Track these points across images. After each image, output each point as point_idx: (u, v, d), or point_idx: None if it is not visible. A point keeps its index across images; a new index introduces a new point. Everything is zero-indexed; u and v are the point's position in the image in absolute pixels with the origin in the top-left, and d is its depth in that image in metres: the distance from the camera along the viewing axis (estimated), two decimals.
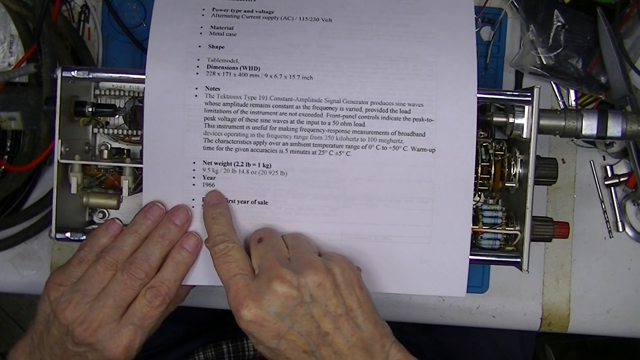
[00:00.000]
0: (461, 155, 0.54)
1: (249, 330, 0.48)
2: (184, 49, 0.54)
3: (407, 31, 0.55)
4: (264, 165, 0.54)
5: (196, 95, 0.53)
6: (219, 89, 0.53)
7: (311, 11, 0.55)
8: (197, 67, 0.53)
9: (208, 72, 0.53)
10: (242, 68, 0.53)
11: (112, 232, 0.53)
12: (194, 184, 0.54)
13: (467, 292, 0.55)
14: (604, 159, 0.68)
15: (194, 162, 0.54)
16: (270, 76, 0.53)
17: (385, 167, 0.54)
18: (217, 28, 0.54)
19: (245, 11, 0.55)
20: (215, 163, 0.54)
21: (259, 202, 0.54)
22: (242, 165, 0.54)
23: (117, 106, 0.59)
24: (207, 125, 0.53)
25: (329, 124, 0.53)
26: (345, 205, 0.54)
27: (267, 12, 0.55)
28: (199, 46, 0.54)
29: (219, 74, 0.53)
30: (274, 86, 0.53)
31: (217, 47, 0.54)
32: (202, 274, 0.54)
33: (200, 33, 0.54)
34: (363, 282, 0.51)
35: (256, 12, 0.55)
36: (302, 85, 0.53)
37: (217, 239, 0.51)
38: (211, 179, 0.54)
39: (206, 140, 0.53)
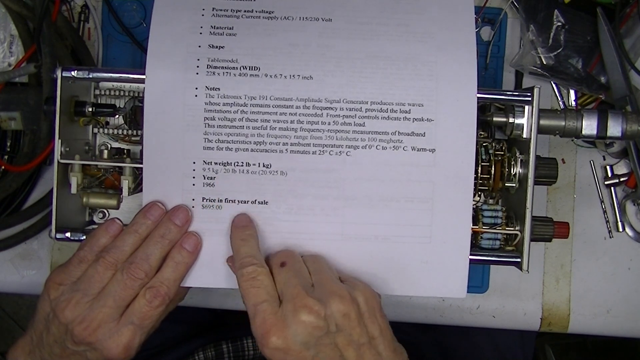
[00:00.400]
0: (461, 155, 0.54)
1: (274, 357, 0.48)
2: (183, 49, 0.54)
3: (407, 31, 0.55)
4: (264, 165, 0.54)
5: (196, 95, 0.53)
6: (219, 89, 0.53)
7: (311, 11, 0.55)
8: (197, 67, 0.53)
9: (208, 72, 0.53)
10: (242, 68, 0.53)
11: (112, 232, 0.53)
12: (194, 184, 0.54)
13: (467, 292, 0.55)
14: (604, 159, 0.68)
15: (194, 162, 0.54)
16: (270, 76, 0.53)
17: (385, 167, 0.54)
18: (217, 28, 0.54)
19: (245, 11, 0.55)
20: (215, 163, 0.54)
21: (259, 202, 0.54)
22: (242, 165, 0.54)
23: (117, 106, 0.59)
24: (207, 125, 0.53)
25: (329, 124, 0.53)
26: (345, 205, 0.54)
27: (267, 12, 0.55)
28: (199, 46, 0.54)
29: (219, 74, 0.53)
30: (274, 86, 0.53)
31: (217, 47, 0.54)
32: (201, 275, 0.54)
33: (200, 33, 0.54)
34: (383, 309, 0.51)
35: (256, 12, 0.55)
36: (302, 85, 0.53)
37: (245, 260, 0.50)
38: (211, 179, 0.54)
39: (206, 140, 0.53)
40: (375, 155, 0.54)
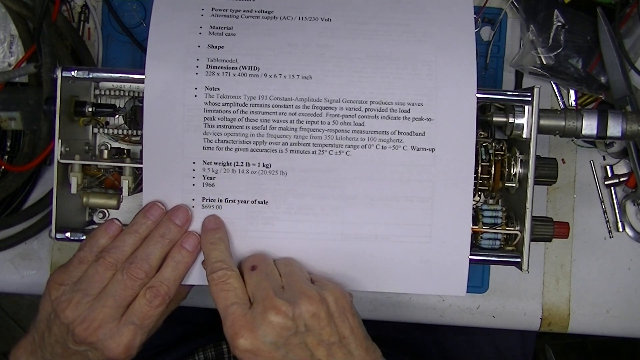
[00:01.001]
0: (461, 155, 0.54)
1: (244, 358, 0.48)
2: (183, 48, 0.54)
3: (407, 31, 0.55)
4: (263, 165, 0.54)
5: (196, 96, 0.53)
6: (218, 89, 0.53)
7: (310, 11, 0.55)
8: (197, 67, 0.53)
9: (207, 72, 0.53)
10: (241, 68, 0.53)
11: (111, 233, 0.53)
12: (193, 184, 0.54)
13: (467, 292, 0.55)
14: (604, 159, 0.68)
15: (194, 162, 0.54)
16: (270, 76, 0.53)
17: (384, 167, 0.54)
18: (217, 28, 0.54)
19: (244, 11, 0.55)
20: (215, 163, 0.54)
21: (258, 202, 0.54)
22: (241, 165, 0.54)
23: (117, 106, 0.59)
24: (206, 125, 0.53)
25: (329, 123, 0.53)
26: (345, 204, 0.54)
27: (266, 11, 0.55)
28: (199, 46, 0.54)
29: (218, 74, 0.53)
30: (273, 86, 0.53)
31: (216, 47, 0.54)
32: (202, 274, 0.54)
33: (200, 33, 0.54)
34: (355, 308, 0.51)
35: (255, 11, 0.55)
36: (301, 85, 0.53)
37: (215, 265, 0.51)
38: (211, 178, 0.54)
39: (206, 140, 0.53)
40: (375, 154, 0.54)
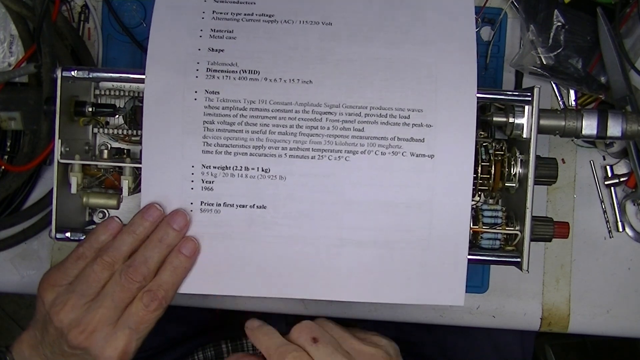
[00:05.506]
0: (460, 162, 0.53)
1: None
2: (183, 52, 0.53)
3: (407, 36, 0.54)
4: (262, 170, 0.54)
5: (195, 99, 0.53)
6: (218, 93, 0.53)
7: (311, 15, 0.55)
8: (197, 70, 0.53)
9: (208, 75, 0.53)
10: (241, 72, 0.53)
11: (111, 230, 0.53)
12: (192, 188, 0.54)
13: (467, 292, 0.55)
14: (604, 159, 0.68)
15: (193, 166, 0.54)
16: (270, 80, 0.53)
17: (384, 173, 0.54)
18: (217, 31, 0.54)
19: (245, 14, 0.55)
20: (214, 167, 0.54)
21: (257, 207, 0.54)
22: (240, 170, 0.54)
23: (117, 106, 0.59)
24: (206, 128, 0.53)
25: (328, 128, 0.53)
26: (343, 210, 0.54)
27: (267, 15, 0.55)
28: (199, 49, 0.54)
29: (218, 77, 0.53)
30: (273, 90, 0.53)
31: (216, 50, 0.54)
32: (198, 280, 0.54)
33: (200, 36, 0.54)
34: None
35: (256, 15, 0.55)
36: (301, 90, 0.53)
37: (281, 349, 0.48)
38: (210, 182, 0.54)
39: (205, 143, 0.53)
40: (374, 160, 0.53)
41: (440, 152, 0.53)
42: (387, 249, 0.54)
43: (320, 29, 0.54)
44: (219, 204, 0.54)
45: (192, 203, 0.54)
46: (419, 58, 0.54)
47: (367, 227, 0.54)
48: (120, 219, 0.54)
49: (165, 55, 0.53)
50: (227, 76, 0.53)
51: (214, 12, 0.55)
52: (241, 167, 0.54)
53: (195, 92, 0.53)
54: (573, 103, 0.67)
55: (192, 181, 0.54)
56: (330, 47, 0.54)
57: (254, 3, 0.55)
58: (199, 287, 0.54)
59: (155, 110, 0.53)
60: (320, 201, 0.54)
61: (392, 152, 0.53)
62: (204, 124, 0.53)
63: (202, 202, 0.54)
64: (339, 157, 0.53)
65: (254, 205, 0.54)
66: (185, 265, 0.53)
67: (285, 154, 0.53)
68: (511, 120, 0.55)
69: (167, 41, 0.54)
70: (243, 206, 0.54)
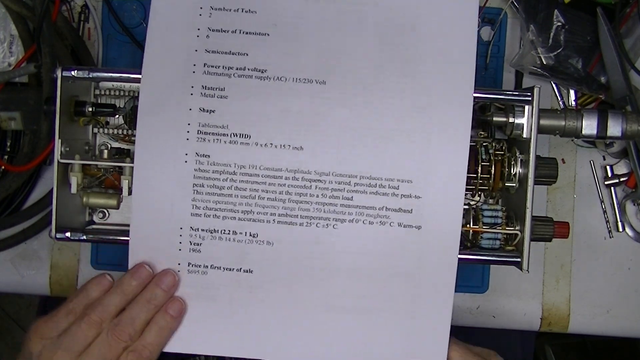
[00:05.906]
0: (447, 233, 0.53)
1: None
2: (175, 111, 0.53)
3: (402, 101, 0.53)
4: (250, 235, 0.54)
5: (186, 162, 0.53)
6: (209, 156, 0.53)
7: (305, 72, 0.54)
8: (188, 132, 0.53)
9: (198, 137, 0.53)
10: (232, 135, 0.53)
11: (102, 287, 0.53)
12: (180, 249, 0.54)
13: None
14: (604, 159, 0.68)
15: (181, 228, 0.54)
16: (261, 145, 0.53)
17: (371, 242, 0.53)
18: (209, 89, 0.53)
19: (237, 68, 0.54)
20: (202, 230, 0.54)
21: (244, 270, 0.54)
22: (229, 234, 0.54)
23: (117, 106, 0.59)
24: (195, 192, 0.53)
25: (318, 196, 0.53)
26: (330, 276, 0.54)
27: (259, 70, 0.53)
28: (190, 109, 0.53)
29: (209, 140, 0.53)
30: (264, 155, 0.53)
31: (208, 111, 0.53)
32: (184, 342, 0.54)
33: (191, 94, 0.53)
34: None
35: (249, 69, 0.53)
36: (292, 156, 0.53)
37: None
38: (198, 244, 0.54)
39: (194, 206, 0.53)
40: (362, 229, 0.53)
41: (427, 224, 0.53)
42: (371, 316, 0.54)
43: (314, 88, 0.53)
44: (206, 266, 0.54)
45: (179, 264, 0.54)
46: (412, 129, 0.53)
47: (353, 295, 0.54)
48: (111, 276, 0.53)
49: (155, 113, 0.53)
50: (217, 139, 0.53)
51: (205, 64, 0.54)
52: (229, 231, 0.54)
53: (186, 154, 0.53)
54: (573, 103, 0.67)
55: (180, 242, 0.54)
56: (322, 111, 0.53)
57: (247, 54, 0.54)
58: (184, 347, 0.54)
59: (146, 172, 0.53)
60: (308, 267, 0.54)
61: (380, 221, 0.53)
62: (193, 186, 0.53)
63: (189, 264, 0.54)
64: (327, 224, 0.53)
65: (240, 269, 0.54)
66: (171, 326, 0.53)
67: (273, 220, 0.53)
68: (511, 120, 0.55)
69: (157, 97, 0.53)
70: (230, 269, 0.54)
